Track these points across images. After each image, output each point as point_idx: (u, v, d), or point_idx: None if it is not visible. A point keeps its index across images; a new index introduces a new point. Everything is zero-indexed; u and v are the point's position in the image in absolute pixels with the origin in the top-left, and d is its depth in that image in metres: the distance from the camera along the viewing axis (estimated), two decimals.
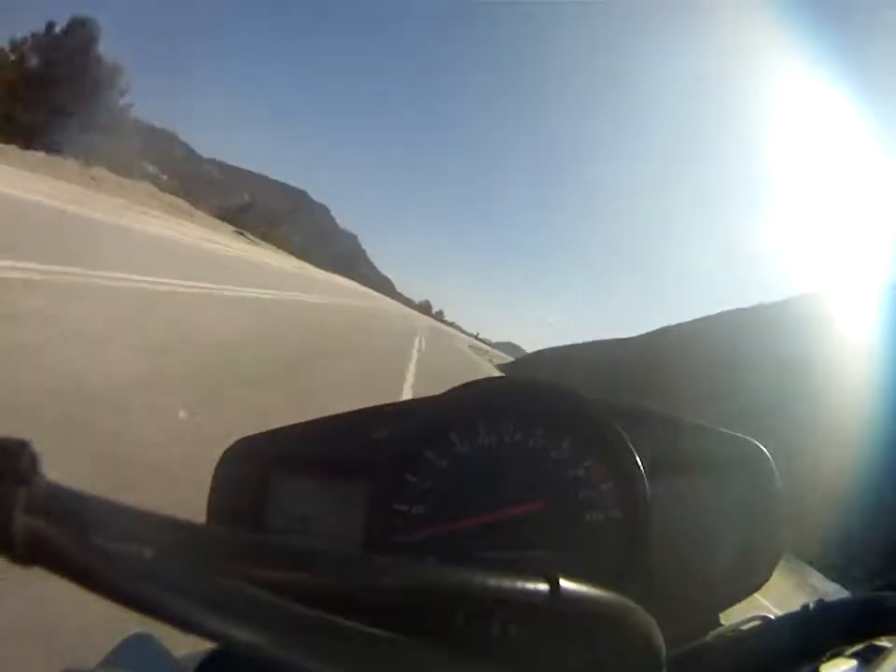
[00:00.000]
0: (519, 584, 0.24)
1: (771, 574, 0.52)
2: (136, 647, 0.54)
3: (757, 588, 0.52)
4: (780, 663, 0.39)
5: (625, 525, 0.52)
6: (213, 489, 0.54)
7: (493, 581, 0.23)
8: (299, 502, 0.55)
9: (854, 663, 0.38)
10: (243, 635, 0.20)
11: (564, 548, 0.51)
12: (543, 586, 0.25)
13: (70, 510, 0.18)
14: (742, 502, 0.53)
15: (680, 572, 0.52)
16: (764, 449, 0.54)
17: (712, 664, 0.42)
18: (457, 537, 0.52)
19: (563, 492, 0.53)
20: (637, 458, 0.52)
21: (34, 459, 0.18)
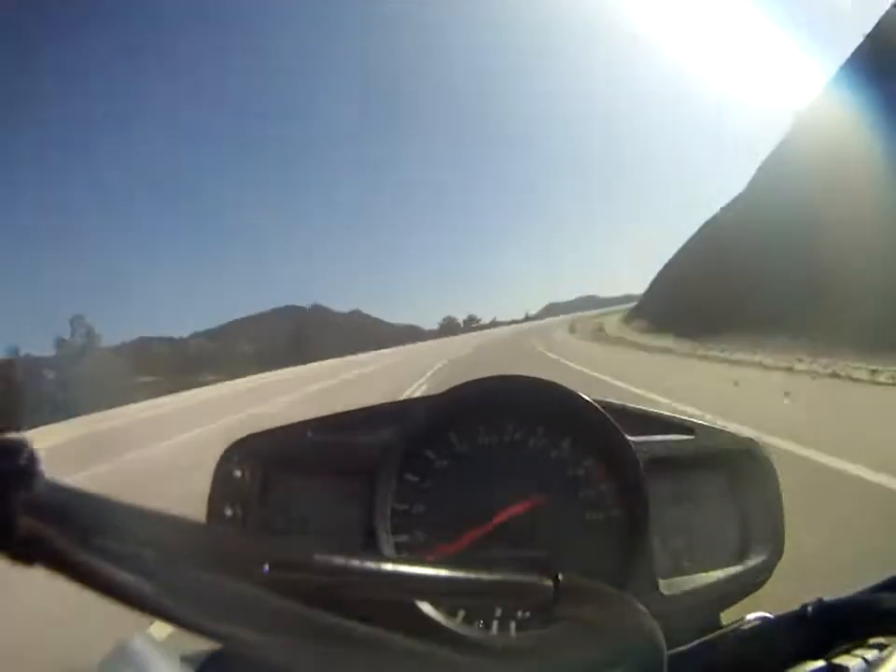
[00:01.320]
0: (520, 582, 0.24)
1: (771, 574, 0.52)
2: (136, 647, 0.54)
3: (757, 588, 0.52)
4: (780, 662, 0.39)
5: (625, 524, 0.52)
6: (213, 489, 0.54)
7: (493, 579, 0.23)
8: (299, 502, 0.55)
9: (854, 662, 0.38)
10: (243, 635, 0.19)
11: (564, 547, 0.51)
12: (544, 584, 0.25)
13: (70, 509, 0.18)
14: (741, 501, 0.53)
15: (681, 572, 0.52)
16: (764, 448, 0.54)
17: (712, 664, 0.42)
18: (458, 536, 0.52)
19: (563, 492, 0.53)
20: (637, 458, 0.52)
21: (33, 458, 0.18)
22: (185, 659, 0.53)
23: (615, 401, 0.56)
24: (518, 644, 0.46)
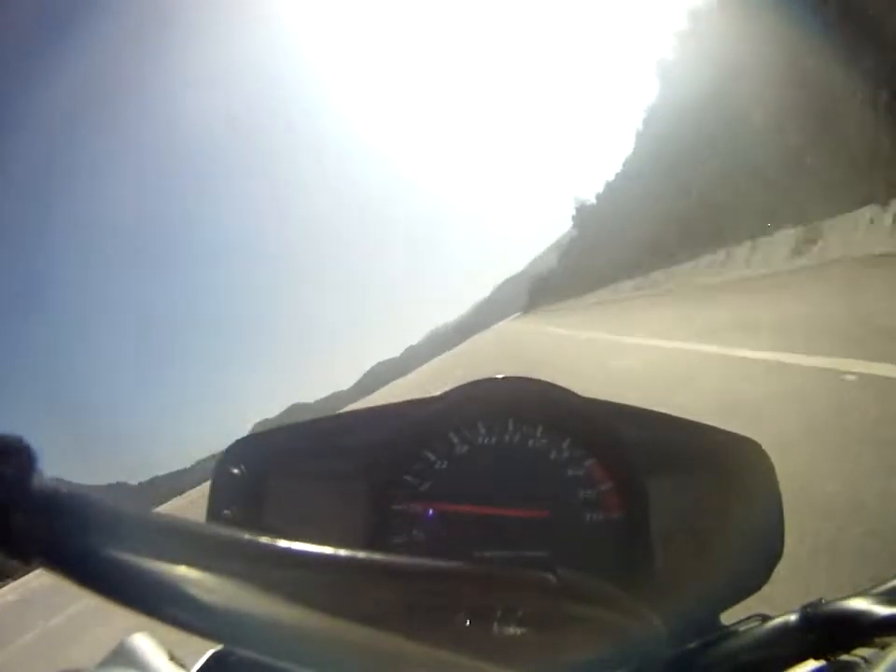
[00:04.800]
0: (521, 580, 0.24)
1: (770, 574, 0.52)
2: (136, 647, 0.54)
3: (757, 588, 0.52)
4: (780, 663, 0.39)
5: (625, 524, 0.52)
6: (213, 489, 0.54)
7: (493, 576, 0.23)
8: (298, 503, 0.55)
9: (855, 662, 0.38)
10: (243, 635, 0.19)
11: (564, 548, 0.51)
12: (545, 583, 0.25)
13: (68, 508, 0.18)
14: (742, 502, 0.53)
15: (680, 572, 0.52)
16: (764, 448, 0.54)
17: (712, 664, 0.42)
18: (457, 537, 0.52)
19: (563, 492, 0.53)
20: (637, 458, 0.52)
21: (32, 457, 0.18)
22: (185, 659, 0.53)
23: (615, 401, 0.56)
24: (519, 643, 0.46)
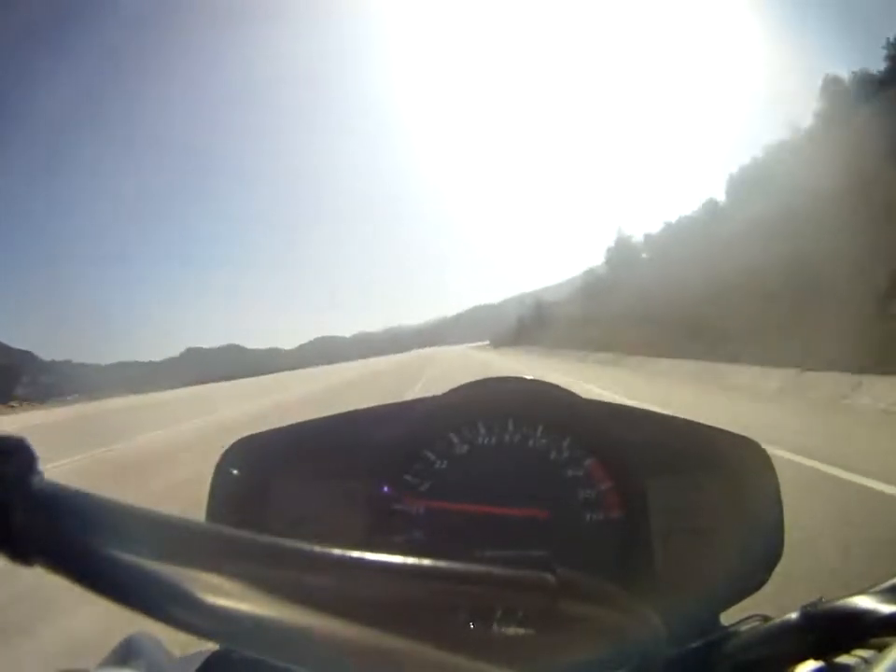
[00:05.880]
0: (521, 579, 0.24)
1: (770, 574, 0.52)
2: (137, 647, 0.54)
3: (757, 588, 0.52)
4: (780, 663, 0.39)
5: (625, 525, 0.52)
6: (213, 489, 0.54)
7: (492, 576, 0.23)
8: (299, 502, 0.55)
9: (854, 662, 0.38)
10: (243, 635, 0.19)
11: (564, 548, 0.51)
12: (545, 582, 0.25)
13: (68, 509, 0.18)
14: (742, 502, 0.53)
15: (680, 572, 0.52)
16: (764, 449, 0.54)
17: (712, 664, 0.42)
18: (457, 536, 0.52)
19: (562, 492, 0.53)
20: (637, 458, 0.52)
21: (31, 458, 0.18)
22: (185, 659, 0.53)
23: (614, 402, 0.56)
24: (517, 644, 0.46)
